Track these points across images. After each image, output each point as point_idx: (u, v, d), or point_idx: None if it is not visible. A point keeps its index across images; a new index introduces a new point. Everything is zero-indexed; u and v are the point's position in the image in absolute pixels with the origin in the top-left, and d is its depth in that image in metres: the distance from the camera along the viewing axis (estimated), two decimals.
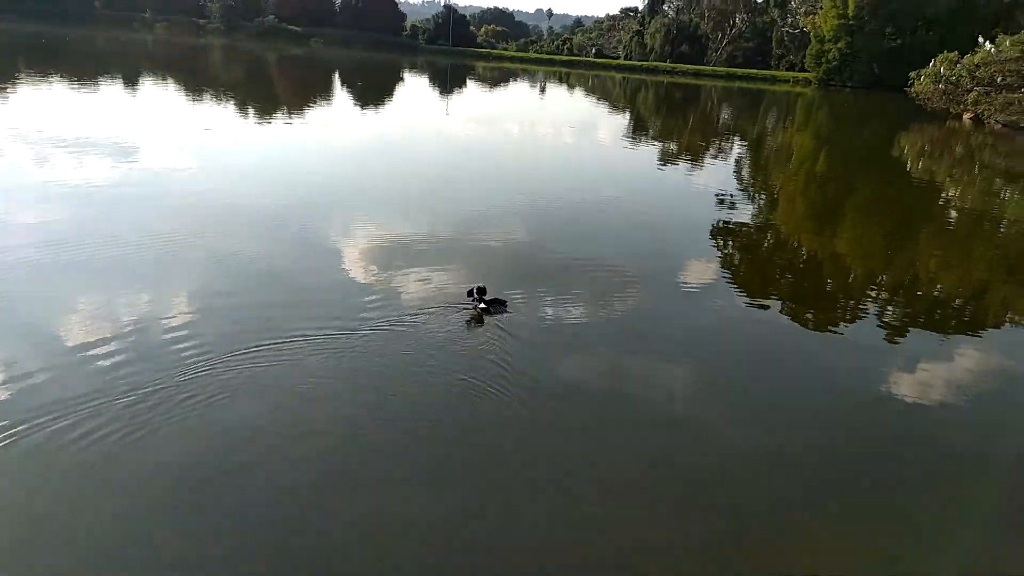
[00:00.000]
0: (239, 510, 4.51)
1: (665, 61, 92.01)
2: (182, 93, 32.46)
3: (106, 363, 6.05)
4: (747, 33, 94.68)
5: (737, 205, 15.58)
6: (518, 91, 55.77)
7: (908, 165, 25.30)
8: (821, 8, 72.53)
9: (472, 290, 7.68)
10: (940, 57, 40.23)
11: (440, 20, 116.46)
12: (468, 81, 61.13)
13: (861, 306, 9.41)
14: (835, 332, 8.44)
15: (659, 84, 70.59)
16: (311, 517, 4.49)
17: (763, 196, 17.67)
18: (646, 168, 20.90)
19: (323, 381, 6.02)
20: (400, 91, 46.97)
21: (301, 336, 6.73)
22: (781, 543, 4.62)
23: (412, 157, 19.56)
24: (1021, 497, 5.37)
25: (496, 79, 66.16)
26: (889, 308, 9.42)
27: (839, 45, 69.84)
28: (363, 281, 8.57)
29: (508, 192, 15.11)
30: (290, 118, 25.95)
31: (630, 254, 10.84)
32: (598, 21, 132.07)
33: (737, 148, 28.14)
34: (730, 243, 12.34)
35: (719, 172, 21.08)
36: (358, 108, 32.72)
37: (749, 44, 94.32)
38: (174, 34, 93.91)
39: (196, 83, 37.58)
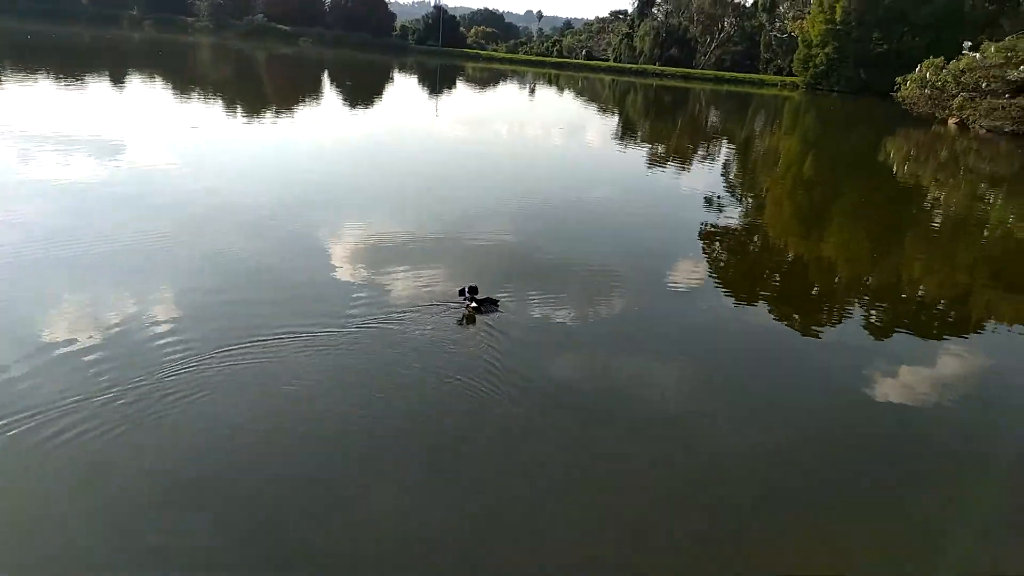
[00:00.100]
0: (221, 509, 4.49)
1: (654, 64, 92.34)
2: (169, 91, 32.25)
3: (88, 360, 5.99)
4: (735, 37, 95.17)
5: (726, 207, 15.67)
6: (508, 92, 55.78)
7: (894, 169, 25.51)
8: (809, 13, 73.04)
9: (464, 289, 7.66)
10: (926, 62, 40.56)
11: (430, 21, 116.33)
12: (458, 82, 61.07)
13: (850, 307, 9.48)
14: (824, 333, 8.50)
15: (648, 87, 70.81)
16: (296, 516, 4.47)
17: (751, 199, 17.78)
18: (636, 170, 20.97)
19: (309, 379, 5.99)
20: (390, 91, 46.89)
21: (288, 334, 6.70)
22: (780, 542, 4.64)
23: (401, 157, 19.53)
24: (1018, 496, 5.42)
25: (486, 80, 66.14)
26: (879, 310, 9.49)
27: (826, 50, 70.34)
28: (352, 279, 8.55)
29: (498, 192, 15.12)
30: (278, 117, 25.84)
31: (620, 254, 10.87)
32: (588, 23, 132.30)
33: (725, 151, 28.28)
34: (719, 245, 12.40)
35: (708, 175, 21.18)
36: (347, 108, 32.63)
37: (737, 48, 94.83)
38: (162, 32, 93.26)
39: (184, 81, 37.37)
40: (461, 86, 56.94)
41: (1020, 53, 35.30)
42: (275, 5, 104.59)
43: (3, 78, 28.78)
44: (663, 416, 6.10)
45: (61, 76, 31.97)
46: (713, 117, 46.72)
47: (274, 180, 14.37)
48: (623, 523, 4.70)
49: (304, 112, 28.23)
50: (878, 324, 8.85)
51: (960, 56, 38.38)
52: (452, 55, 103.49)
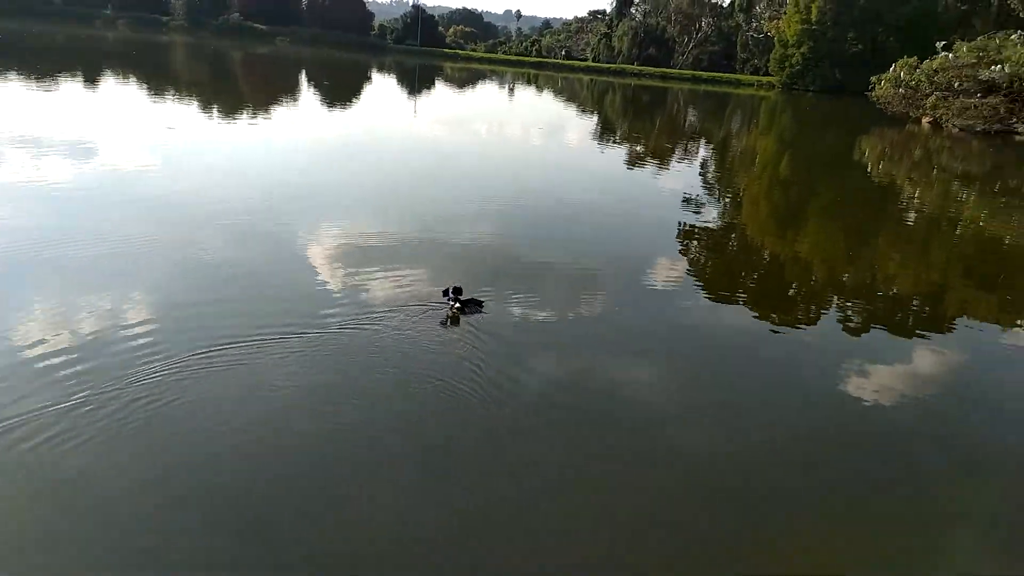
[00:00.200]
0: (199, 515, 4.44)
1: (632, 63, 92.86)
2: (145, 91, 31.89)
3: (59, 365, 5.88)
4: (713, 37, 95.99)
5: (704, 207, 15.80)
6: (487, 92, 55.76)
7: (869, 168, 25.83)
8: (785, 13, 73.86)
9: (448, 290, 7.63)
10: (900, 62, 41.10)
11: (408, 20, 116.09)
12: (436, 82, 60.99)
13: (828, 304, 9.60)
14: (803, 330, 8.60)
15: (627, 86, 71.15)
16: (275, 522, 4.43)
17: (729, 198, 17.93)
18: (615, 170, 21.08)
19: (289, 382, 5.94)
20: (368, 91, 46.72)
21: (265, 336, 6.62)
22: (774, 541, 4.68)
23: (380, 158, 19.47)
24: (1011, 497, 5.52)
25: (465, 80, 66.09)
26: (856, 307, 9.61)
27: (802, 50, 71.18)
28: (331, 280, 8.51)
29: (478, 193, 15.12)
30: (256, 117, 25.65)
31: (601, 254, 10.92)
32: (566, 23, 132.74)
33: (703, 150, 28.51)
34: (699, 244, 12.50)
35: (686, 174, 21.34)
36: (325, 108, 32.46)
37: (715, 48, 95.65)
38: (137, 31, 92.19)
39: (159, 81, 36.98)
40: (440, 86, 56.87)
41: (991, 53, 35.92)
42: (251, 4, 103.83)
43: None
44: (650, 414, 6.14)
45: (34, 76, 31.48)
46: (691, 117, 47.06)
47: (251, 181, 14.26)
48: (616, 523, 4.72)
49: (282, 112, 28.04)
50: (855, 321, 8.96)
51: (933, 56, 38.93)
52: (431, 55, 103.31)
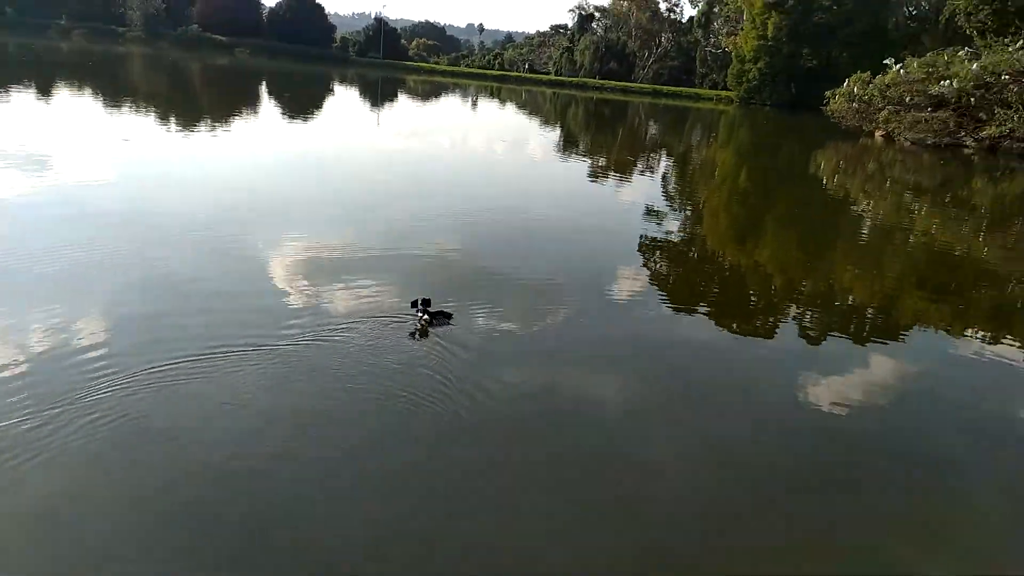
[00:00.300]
0: (144, 537, 4.29)
1: (594, 77, 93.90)
2: (100, 103, 31.23)
3: (3, 382, 5.67)
4: (672, 52, 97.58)
5: (666, 218, 15.96)
6: (450, 105, 55.82)
7: (825, 180, 26.40)
8: (742, 29, 75.37)
9: (417, 301, 7.53)
10: (853, 77, 42.12)
11: (371, 33, 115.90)
12: (400, 94, 60.88)
13: (787, 313, 9.74)
14: (763, 338, 8.71)
15: (589, 100, 71.84)
16: (230, 542, 4.31)
17: (690, 209, 18.16)
18: (578, 182, 21.19)
19: (246, 397, 5.78)
20: (330, 103, 46.41)
21: (224, 350, 6.46)
22: (731, 549, 4.70)
23: (341, 170, 19.30)
24: (960, 501, 5.61)
25: (428, 92, 66.09)
26: (814, 315, 9.77)
27: (759, 65, 72.68)
28: (291, 293, 8.36)
29: (440, 205, 15.03)
30: (214, 129, 25.26)
31: (564, 266, 10.92)
32: (529, 37, 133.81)
33: (664, 163, 28.87)
34: (660, 255, 12.61)
35: (647, 187, 21.56)
36: (286, 120, 32.15)
37: (674, 63, 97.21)
38: (92, 42, 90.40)
39: (115, 92, 36.28)
40: (403, 98, 56.78)
41: (940, 69, 37.01)
42: (210, 15, 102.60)
43: None
44: (613, 424, 6.12)
45: None
46: (652, 130, 47.68)
47: (209, 194, 14.01)
48: (576, 531, 4.68)
49: (241, 124, 27.67)
50: (813, 330, 9.11)
51: (885, 71, 39.99)
52: (394, 67, 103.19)
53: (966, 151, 35.18)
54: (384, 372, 6.41)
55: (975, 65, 35.31)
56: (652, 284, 10.58)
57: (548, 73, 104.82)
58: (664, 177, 24.29)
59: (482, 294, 8.93)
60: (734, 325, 9.09)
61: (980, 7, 44.47)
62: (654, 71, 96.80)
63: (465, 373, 6.54)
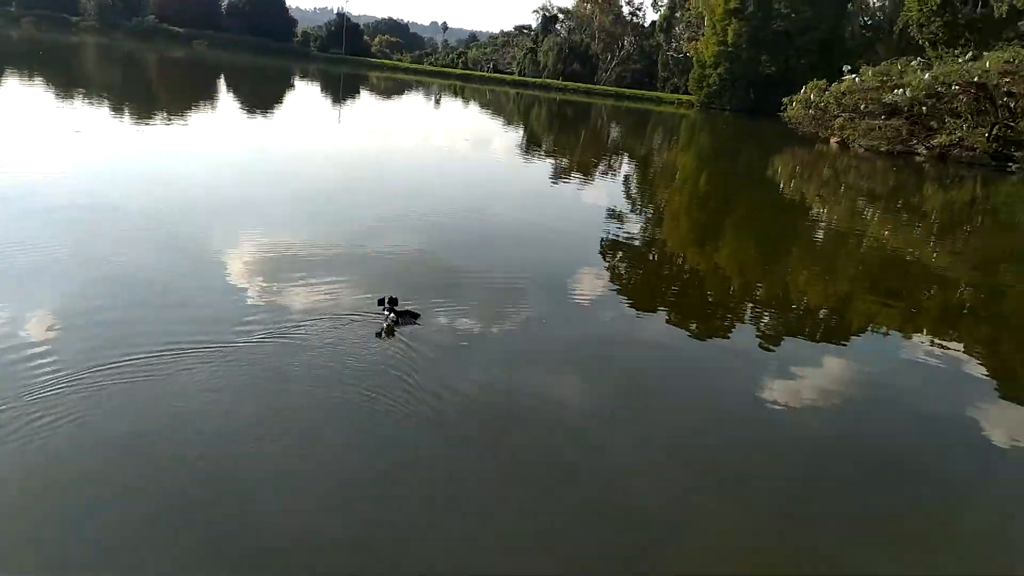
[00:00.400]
0: (90, 540, 4.16)
1: (557, 78, 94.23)
2: (51, 93, 30.32)
3: None
4: (635, 55, 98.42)
5: (627, 220, 16.09)
6: (413, 103, 55.50)
7: (781, 185, 26.89)
8: (703, 35, 76.35)
9: (383, 299, 7.45)
10: (810, 84, 42.93)
11: (333, 28, 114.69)
12: (362, 91, 60.36)
13: (744, 314, 9.90)
14: (721, 339, 8.84)
15: (552, 100, 72.09)
16: (174, 551, 4.16)
17: (651, 212, 18.35)
18: (540, 183, 21.24)
19: (198, 398, 5.64)
20: (290, 98, 45.78)
21: (175, 348, 6.31)
22: (693, 551, 4.75)
23: (302, 166, 19.02)
24: (914, 499, 5.75)
25: (391, 90, 65.65)
26: (771, 317, 9.94)
27: (719, 71, 73.69)
28: (247, 290, 8.22)
29: (402, 204, 14.93)
30: (169, 122, 24.72)
31: (525, 266, 10.94)
32: (493, 37, 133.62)
33: (626, 165, 29.10)
34: (621, 256, 12.70)
35: (609, 188, 21.73)
36: (244, 114, 31.63)
37: (637, 66, 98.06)
38: (43, 30, 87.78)
39: (67, 83, 35.28)
40: (365, 95, 56.31)
41: (894, 77, 37.96)
42: (167, 5, 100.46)
43: None
44: (573, 424, 6.16)
45: None
46: (614, 132, 48.02)
47: (163, 188, 13.68)
48: (535, 532, 4.69)
49: (197, 118, 27.15)
50: (769, 331, 9.27)
51: (841, 79, 40.88)
52: (356, 63, 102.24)
53: (918, 159, 36.14)
54: (349, 372, 6.34)
55: (927, 75, 36.29)
56: (613, 285, 10.66)
57: (512, 73, 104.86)
58: (626, 179, 24.50)
59: (444, 293, 8.89)
60: (694, 326, 9.23)
61: (932, 19, 45.84)
62: (617, 74, 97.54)
63: (427, 373, 6.50)
